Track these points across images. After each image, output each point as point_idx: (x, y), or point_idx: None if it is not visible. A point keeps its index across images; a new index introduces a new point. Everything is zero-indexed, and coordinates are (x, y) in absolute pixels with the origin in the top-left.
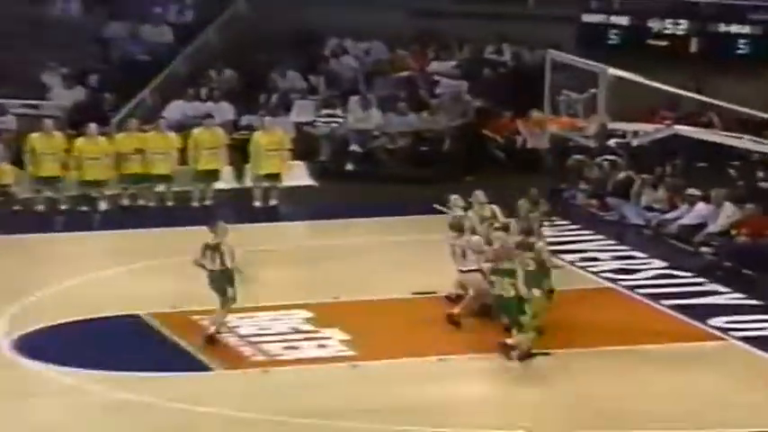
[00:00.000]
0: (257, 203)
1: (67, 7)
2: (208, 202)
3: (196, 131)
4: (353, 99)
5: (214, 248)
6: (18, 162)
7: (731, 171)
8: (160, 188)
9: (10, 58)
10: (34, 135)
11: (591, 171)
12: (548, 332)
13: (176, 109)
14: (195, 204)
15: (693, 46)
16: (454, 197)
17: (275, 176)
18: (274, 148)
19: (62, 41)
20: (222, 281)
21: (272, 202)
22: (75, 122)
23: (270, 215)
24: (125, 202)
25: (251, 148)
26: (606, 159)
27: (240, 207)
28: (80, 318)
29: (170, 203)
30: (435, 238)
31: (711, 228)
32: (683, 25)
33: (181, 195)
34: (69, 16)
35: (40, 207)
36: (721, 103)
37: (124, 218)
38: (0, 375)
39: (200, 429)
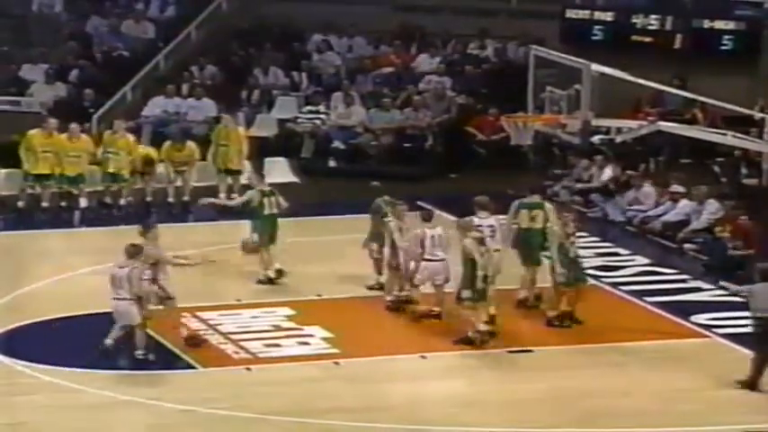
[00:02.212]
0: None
1: (49, 3)
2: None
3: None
4: (336, 95)
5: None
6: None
7: (715, 168)
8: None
9: None
10: (33, 132)
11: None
12: (530, 329)
13: (157, 105)
14: (171, 200)
15: (678, 42)
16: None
17: (236, 172)
18: (223, 144)
19: (43, 37)
20: None
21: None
22: (56, 118)
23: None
24: (107, 199)
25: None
26: (590, 156)
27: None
28: (61, 315)
29: (149, 199)
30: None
31: (695, 225)
32: (668, 21)
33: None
34: (50, 12)
35: (21, 204)
36: (706, 99)
37: (106, 215)
38: None
39: (183, 427)
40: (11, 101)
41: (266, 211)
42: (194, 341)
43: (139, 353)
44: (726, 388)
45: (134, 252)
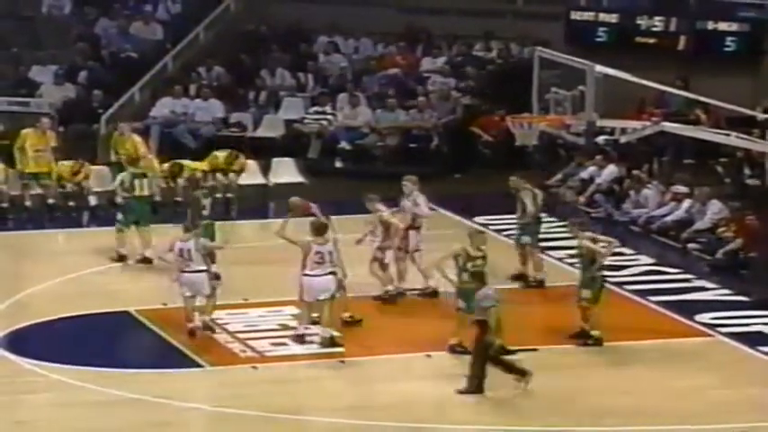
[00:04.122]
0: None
1: (58, 5)
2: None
3: None
4: (342, 96)
5: None
6: (7, 160)
7: (718, 168)
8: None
9: (2, 57)
10: (27, 131)
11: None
12: (536, 328)
13: (165, 106)
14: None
15: (681, 43)
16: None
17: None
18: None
19: (52, 39)
20: None
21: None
22: (65, 119)
23: (258, 212)
24: (118, 199)
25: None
26: (594, 156)
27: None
28: (70, 314)
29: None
30: (423, 234)
31: (698, 225)
32: (672, 23)
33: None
34: (60, 14)
35: (28, 203)
36: (709, 100)
37: (113, 214)
38: None
39: (189, 425)
40: (20, 102)
41: (137, 193)
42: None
43: (207, 320)
44: (729, 387)
45: (191, 225)
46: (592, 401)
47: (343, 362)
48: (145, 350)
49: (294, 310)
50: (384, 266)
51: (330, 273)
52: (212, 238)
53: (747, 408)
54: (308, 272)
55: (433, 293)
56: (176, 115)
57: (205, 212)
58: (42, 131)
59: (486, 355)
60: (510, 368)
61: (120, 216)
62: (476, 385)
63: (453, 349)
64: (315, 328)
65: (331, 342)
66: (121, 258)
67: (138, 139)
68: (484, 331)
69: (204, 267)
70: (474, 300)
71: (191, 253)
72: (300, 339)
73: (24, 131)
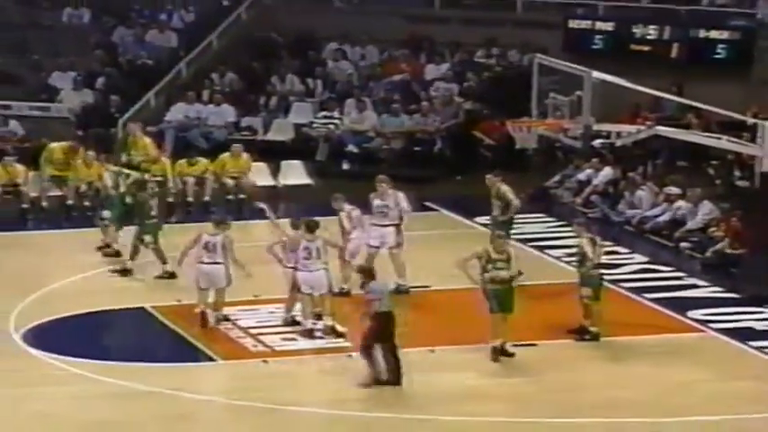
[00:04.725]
0: None
1: (77, 14)
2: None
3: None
4: (349, 101)
5: None
6: (27, 162)
7: (710, 170)
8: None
9: (23, 64)
10: (55, 145)
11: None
12: (535, 324)
13: (179, 111)
14: (190, 200)
15: (674, 51)
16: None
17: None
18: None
19: (72, 47)
20: None
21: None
22: (83, 123)
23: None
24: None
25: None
26: (591, 159)
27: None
28: (87, 310)
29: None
30: (427, 234)
31: (690, 225)
32: (665, 31)
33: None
34: (79, 23)
35: (45, 204)
36: (701, 105)
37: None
38: (11, 366)
39: (202, 417)
40: (41, 107)
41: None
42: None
43: (221, 314)
44: (721, 380)
45: (221, 221)
46: (590, 394)
47: (350, 356)
48: (159, 345)
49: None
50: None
51: (323, 268)
52: (156, 239)
53: (740, 400)
54: (300, 267)
55: (407, 291)
56: (190, 120)
57: (152, 213)
58: (71, 148)
59: (373, 344)
60: (371, 363)
61: (106, 213)
62: (395, 377)
63: (496, 350)
64: (321, 323)
65: (332, 331)
66: (117, 254)
67: (148, 140)
68: (376, 325)
69: (223, 261)
70: (494, 299)
71: (216, 246)
72: (309, 334)
73: (54, 146)
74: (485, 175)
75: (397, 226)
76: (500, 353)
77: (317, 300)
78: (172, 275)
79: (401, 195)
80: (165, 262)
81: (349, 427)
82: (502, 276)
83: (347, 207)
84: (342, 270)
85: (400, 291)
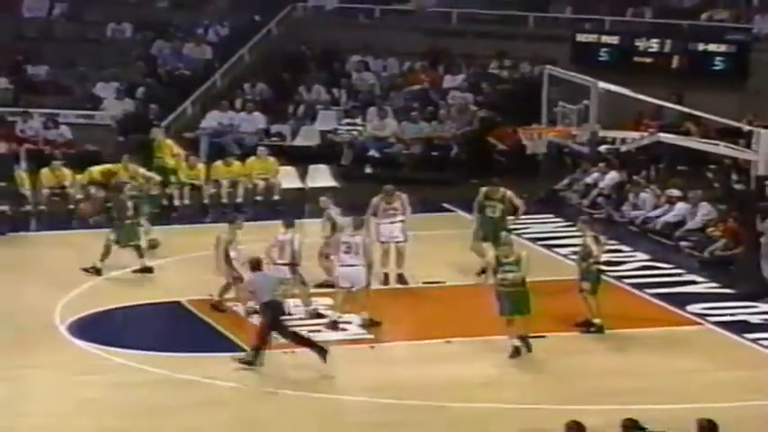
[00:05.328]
0: None
1: (120, 29)
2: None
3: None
4: (372, 110)
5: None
6: (73, 166)
7: (708, 174)
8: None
9: (70, 75)
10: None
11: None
12: (544, 317)
13: (213, 118)
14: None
15: (675, 63)
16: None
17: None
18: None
19: (115, 59)
20: None
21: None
22: (124, 130)
23: (295, 213)
24: (163, 201)
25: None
26: (597, 163)
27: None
28: (127, 304)
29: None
30: (443, 233)
31: (690, 225)
32: (667, 44)
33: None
34: (121, 36)
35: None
36: (700, 114)
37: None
38: (58, 356)
39: (233, 403)
40: (86, 114)
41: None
42: (219, 307)
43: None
44: (718, 370)
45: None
46: (595, 382)
47: (372, 347)
48: (194, 336)
49: (329, 300)
50: (328, 258)
51: (361, 264)
52: (133, 239)
53: (736, 388)
54: (340, 262)
55: (405, 282)
56: (223, 126)
57: (129, 213)
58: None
59: (269, 332)
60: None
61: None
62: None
63: (519, 348)
64: (347, 317)
65: (371, 323)
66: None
67: (170, 142)
68: (263, 315)
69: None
70: (506, 301)
71: (284, 245)
72: (334, 326)
73: (93, 170)
74: (498, 178)
75: (403, 222)
76: (518, 351)
77: (355, 294)
78: (149, 270)
79: (404, 197)
80: (142, 256)
81: (370, 413)
82: (510, 279)
83: (333, 210)
84: (320, 264)
85: (403, 281)
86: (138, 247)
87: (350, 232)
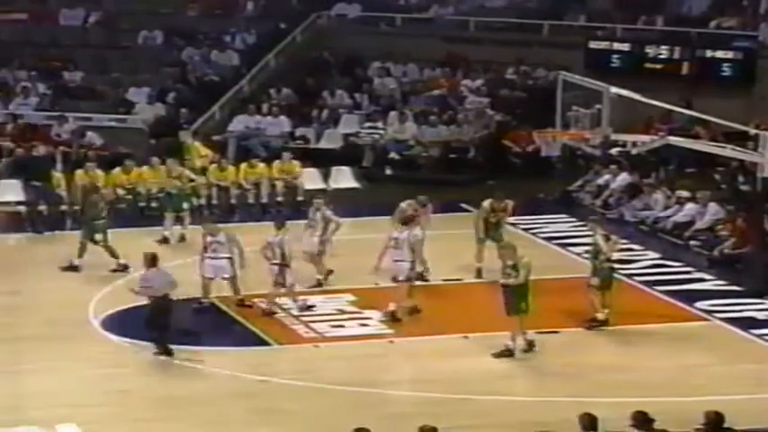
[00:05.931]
0: None
1: (152, 36)
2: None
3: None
4: (392, 114)
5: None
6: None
7: (716, 176)
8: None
9: (104, 80)
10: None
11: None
12: (557, 313)
13: (240, 122)
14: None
15: (684, 69)
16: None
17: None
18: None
19: (146, 65)
20: None
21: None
22: (155, 133)
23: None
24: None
25: None
26: (609, 165)
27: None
28: None
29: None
30: (461, 233)
31: (699, 224)
32: (676, 51)
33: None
34: (153, 44)
35: (123, 205)
36: (708, 118)
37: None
38: (93, 349)
39: (260, 395)
40: (119, 118)
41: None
42: (269, 312)
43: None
44: (725, 364)
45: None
46: (607, 376)
47: (392, 342)
48: (222, 331)
49: (351, 297)
50: (321, 256)
51: (405, 260)
52: (105, 238)
53: (743, 382)
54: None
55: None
56: (250, 130)
57: (103, 214)
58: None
59: (157, 321)
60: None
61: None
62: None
63: (530, 345)
64: (368, 312)
65: (392, 317)
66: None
67: (197, 143)
68: (149, 309)
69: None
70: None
71: (273, 246)
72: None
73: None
74: (514, 179)
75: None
76: (531, 345)
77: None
78: (125, 268)
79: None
80: (116, 257)
81: (393, 405)
82: (507, 282)
83: (328, 211)
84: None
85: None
86: (107, 246)
87: (398, 229)
